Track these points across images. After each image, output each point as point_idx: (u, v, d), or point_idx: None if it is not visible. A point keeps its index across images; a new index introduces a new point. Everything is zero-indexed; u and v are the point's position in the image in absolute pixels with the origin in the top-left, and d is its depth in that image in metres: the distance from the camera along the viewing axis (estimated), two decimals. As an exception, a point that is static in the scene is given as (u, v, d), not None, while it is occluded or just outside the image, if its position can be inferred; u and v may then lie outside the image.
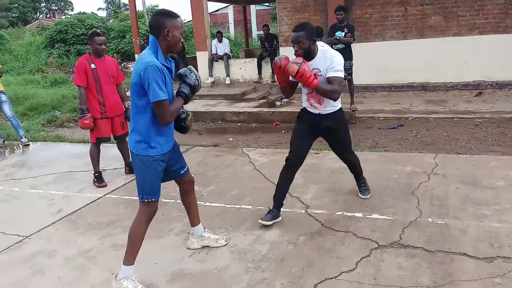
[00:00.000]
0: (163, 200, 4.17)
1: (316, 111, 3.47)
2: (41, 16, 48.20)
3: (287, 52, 10.32)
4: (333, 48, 6.83)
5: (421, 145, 5.62)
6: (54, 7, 51.32)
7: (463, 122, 6.72)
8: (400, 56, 9.25)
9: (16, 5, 43.80)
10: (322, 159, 5.20)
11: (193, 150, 6.02)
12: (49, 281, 2.90)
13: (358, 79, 8.40)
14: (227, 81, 11.02)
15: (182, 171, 2.95)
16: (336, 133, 3.56)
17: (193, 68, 2.75)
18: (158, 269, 2.95)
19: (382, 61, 9.37)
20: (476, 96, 8.77)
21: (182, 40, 2.66)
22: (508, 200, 3.68)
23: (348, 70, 7.40)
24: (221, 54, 11.09)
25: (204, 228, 3.22)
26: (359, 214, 3.58)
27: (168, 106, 2.55)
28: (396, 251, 2.97)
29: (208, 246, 3.17)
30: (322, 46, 3.34)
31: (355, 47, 7.58)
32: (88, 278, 2.90)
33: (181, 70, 2.72)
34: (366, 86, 9.57)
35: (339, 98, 3.39)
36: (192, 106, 8.80)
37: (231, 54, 11.61)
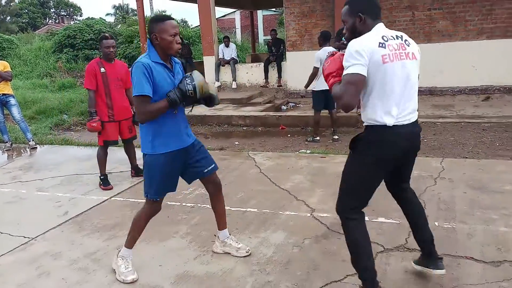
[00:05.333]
0: (168, 202, 4.18)
1: None
2: (50, 21, 48.76)
3: (292, 57, 10.36)
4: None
5: (427, 149, 5.59)
6: (63, 13, 51.94)
7: (471, 127, 6.67)
8: (407, 60, 9.22)
9: (26, 10, 44.37)
10: (328, 163, 5.18)
11: (199, 154, 6.03)
12: (55, 282, 2.90)
13: (365, 83, 8.39)
14: (234, 86, 11.05)
15: (205, 170, 2.91)
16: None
17: (196, 74, 2.66)
18: (162, 271, 2.95)
19: (388, 65, 9.35)
20: (484, 100, 8.71)
21: (178, 41, 2.63)
22: (516, 204, 3.64)
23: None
24: (228, 58, 11.13)
25: (230, 235, 3.18)
26: (365, 218, 3.55)
27: (145, 104, 2.56)
28: (402, 255, 2.95)
29: (229, 253, 3.11)
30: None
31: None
32: (93, 279, 2.90)
33: (186, 75, 2.71)
34: (373, 91, 9.55)
35: (372, 110, 2.25)
36: (199, 110, 8.83)
37: (237, 59, 11.65)
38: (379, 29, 2.28)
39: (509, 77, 8.70)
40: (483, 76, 8.88)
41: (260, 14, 27.55)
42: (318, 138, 6.49)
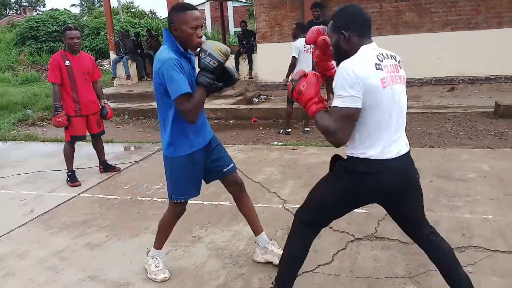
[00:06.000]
0: (139, 198, 4.12)
1: None
2: (11, 12, 46.78)
3: (263, 48, 10.34)
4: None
5: (396, 140, 5.71)
6: (25, 3, 49.90)
7: (437, 117, 6.86)
8: (375, 52, 9.37)
9: (-15, 1, 42.40)
10: (299, 155, 5.22)
11: (170, 148, 5.95)
12: (20, 283, 2.81)
13: (335, 75, 8.48)
14: (204, 78, 10.93)
15: (225, 169, 2.71)
16: None
17: (206, 45, 2.39)
18: (133, 267, 2.90)
19: (357, 57, 9.48)
20: (449, 91, 8.98)
21: (199, 35, 2.41)
22: (479, 191, 3.78)
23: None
24: (198, 50, 10.99)
25: (271, 239, 2.88)
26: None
27: (188, 101, 2.32)
28: (372, 243, 3.01)
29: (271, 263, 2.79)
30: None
31: (331, 43, 7.64)
32: (61, 278, 2.83)
33: (200, 50, 2.42)
34: (343, 82, 9.66)
35: (357, 143, 1.98)
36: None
37: (208, 51, 11.52)
38: (371, 49, 2.00)
39: (472, 68, 8.97)
40: (448, 67, 9.13)
41: (230, 5, 27.37)
42: (289, 130, 6.53)
